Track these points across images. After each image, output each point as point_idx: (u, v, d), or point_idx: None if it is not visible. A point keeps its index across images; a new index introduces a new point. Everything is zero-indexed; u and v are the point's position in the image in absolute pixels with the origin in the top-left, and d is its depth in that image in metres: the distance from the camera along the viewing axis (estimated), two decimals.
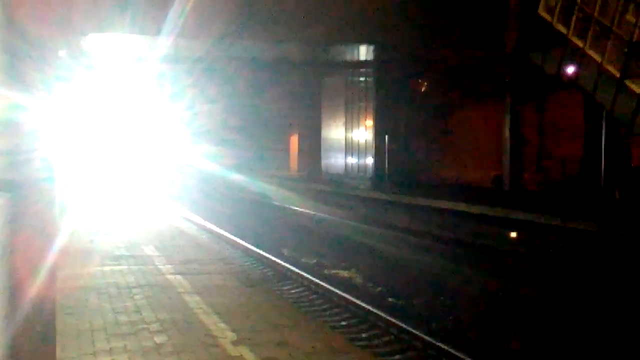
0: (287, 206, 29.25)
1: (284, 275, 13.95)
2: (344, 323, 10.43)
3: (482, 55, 26.97)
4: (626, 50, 17.51)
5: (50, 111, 3.06)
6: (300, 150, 44.67)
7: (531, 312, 11.38)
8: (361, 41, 32.25)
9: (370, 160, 33.25)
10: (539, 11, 21.16)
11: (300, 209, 28.28)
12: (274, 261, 15.05)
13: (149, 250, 13.46)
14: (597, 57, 18.60)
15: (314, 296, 12.21)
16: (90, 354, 6.43)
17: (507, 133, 25.17)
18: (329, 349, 6.74)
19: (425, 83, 31.60)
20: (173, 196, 31.45)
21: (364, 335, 9.83)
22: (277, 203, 30.80)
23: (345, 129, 37.25)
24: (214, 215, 24.00)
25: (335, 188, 30.88)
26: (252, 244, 17.04)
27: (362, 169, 34.87)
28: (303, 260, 16.41)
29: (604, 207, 18.91)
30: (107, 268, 11.27)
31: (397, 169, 30.33)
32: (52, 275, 3.10)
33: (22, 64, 2.92)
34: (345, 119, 37.24)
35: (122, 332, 7.20)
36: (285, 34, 28.99)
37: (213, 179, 35.57)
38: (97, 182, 31.12)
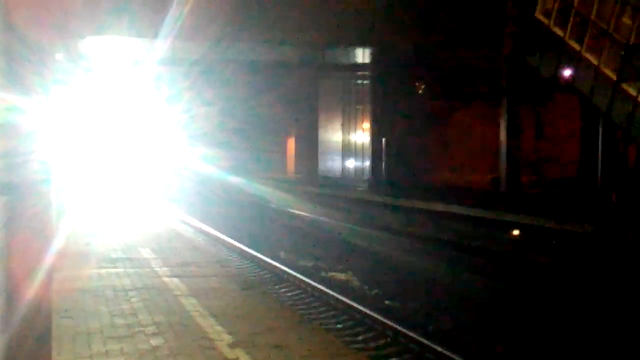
0: (284, 209, 29.23)
1: (281, 278, 13.93)
2: (340, 326, 10.42)
3: (479, 58, 27.04)
4: (623, 53, 17.55)
5: (47, 114, 3.07)
6: (297, 152, 44.67)
7: (531, 313, 11.39)
8: (358, 44, 32.32)
9: (367, 163, 33.27)
10: (535, 14, 21.21)
11: (297, 212, 28.27)
12: (271, 264, 15.03)
13: (146, 253, 13.45)
14: (593, 60, 18.64)
15: (311, 299, 12.20)
16: (87, 357, 6.43)
17: (504, 135, 25.19)
18: (326, 352, 6.75)
19: (423, 86, 31.65)
20: (170, 198, 31.43)
21: (360, 337, 9.82)
22: (273, 205, 30.78)
23: (342, 131, 37.31)
24: (211, 217, 23.98)
25: (332, 190, 30.86)
26: (249, 247, 17.02)
27: (359, 171, 34.91)
28: (300, 262, 16.39)
29: (600, 209, 18.94)
30: (103, 270, 11.26)
31: (394, 172, 30.35)
32: (49, 277, 3.11)
33: (20, 66, 2.93)
34: (342, 121, 37.31)
35: (119, 335, 7.20)
36: (282, 37, 29.06)
37: (210, 181, 35.52)
38: (94, 184, 31.11)
